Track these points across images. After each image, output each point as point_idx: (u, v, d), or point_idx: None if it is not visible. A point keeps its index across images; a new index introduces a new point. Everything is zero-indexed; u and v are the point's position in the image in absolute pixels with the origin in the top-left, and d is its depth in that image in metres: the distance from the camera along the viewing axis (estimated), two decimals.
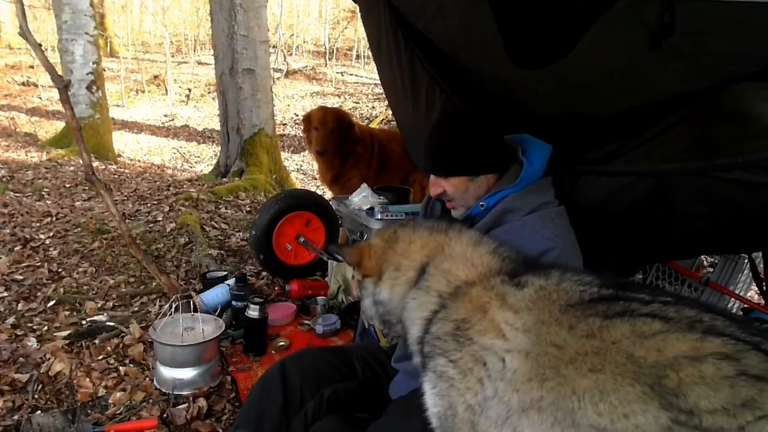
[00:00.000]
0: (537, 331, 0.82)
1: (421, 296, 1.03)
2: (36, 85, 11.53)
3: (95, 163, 5.64)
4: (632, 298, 0.80)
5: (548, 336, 0.80)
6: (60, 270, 2.88)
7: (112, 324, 2.31)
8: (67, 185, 4.67)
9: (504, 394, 0.82)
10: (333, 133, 3.36)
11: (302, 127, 3.58)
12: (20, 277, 2.73)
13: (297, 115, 11.49)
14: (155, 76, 13.49)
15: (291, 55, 16.07)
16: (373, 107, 11.41)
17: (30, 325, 2.30)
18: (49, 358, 2.02)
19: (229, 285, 2.49)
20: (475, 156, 1.37)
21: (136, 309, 2.53)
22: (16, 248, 3.08)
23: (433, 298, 1.00)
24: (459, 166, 1.38)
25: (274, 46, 13.62)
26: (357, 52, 16.37)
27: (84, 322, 2.36)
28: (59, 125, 8.21)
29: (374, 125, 9.63)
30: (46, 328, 2.29)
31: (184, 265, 3.12)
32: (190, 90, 12.89)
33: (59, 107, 9.15)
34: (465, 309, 0.93)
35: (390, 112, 9.89)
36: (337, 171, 3.54)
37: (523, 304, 0.87)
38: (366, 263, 1.16)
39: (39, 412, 1.74)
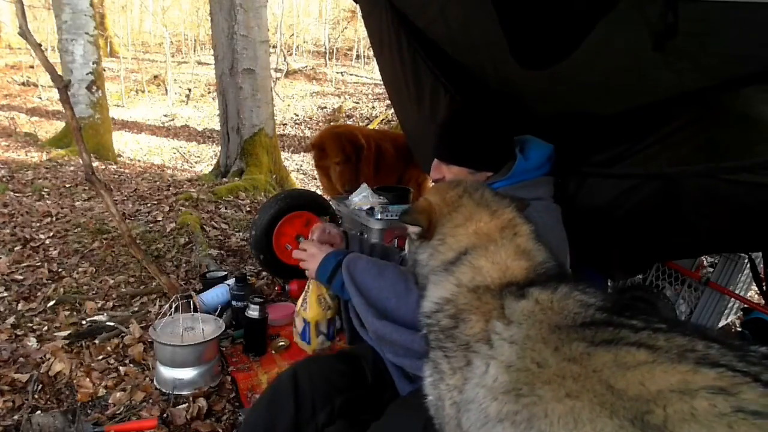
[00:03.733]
0: (522, 345, 0.81)
1: (443, 278, 1.01)
2: (36, 85, 11.53)
3: (95, 163, 5.64)
4: (624, 324, 0.76)
5: (531, 353, 0.79)
6: (60, 270, 2.87)
7: (112, 324, 2.31)
8: (67, 185, 4.67)
9: (483, 401, 0.82)
10: (354, 164, 3.20)
11: (312, 153, 3.31)
12: (20, 277, 2.73)
13: (297, 115, 11.50)
14: (155, 76, 13.50)
15: (291, 55, 16.07)
16: (373, 107, 11.41)
17: (30, 325, 2.30)
18: (49, 358, 2.02)
19: (229, 285, 2.49)
20: (484, 150, 1.39)
21: (136, 309, 2.53)
22: (16, 248, 3.08)
23: (451, 286, 0.99)
24: (465, 156, 1.40)
25: (274, 46, 13.62)
26: (357, 52, 16.37)
27: (84, 322, 2.36)
28: (59, 125, 8.22)
29: (374, 125, 9.64)
30: (46, 328, 2.28)
31: (184, 265, 3.12)
32: (190, 90, 12.89)
33: (59, 107, 9.15)
34: (471, 310, 0.93)
35: (390, 111, 9.90)
36: (350, 186, 3.35)
37: (516, 317, 0.86)
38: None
39: (39, 412, 1.74)
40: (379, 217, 2.58)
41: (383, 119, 10.24)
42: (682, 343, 0.69)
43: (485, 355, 0.85)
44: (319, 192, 4.23)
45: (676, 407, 0.61)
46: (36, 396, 1.83)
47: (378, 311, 1.25)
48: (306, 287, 1.56)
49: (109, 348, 2.15)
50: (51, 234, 3.36)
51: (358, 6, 2.53)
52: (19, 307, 2.44)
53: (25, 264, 2.89)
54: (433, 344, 0.97)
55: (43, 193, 4.32)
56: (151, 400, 1.85)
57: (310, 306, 1.54)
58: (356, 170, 3.26)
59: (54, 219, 3.69)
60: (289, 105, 12.00)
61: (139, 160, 7.98)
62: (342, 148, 3.15)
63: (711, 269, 2.78)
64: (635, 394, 0.65)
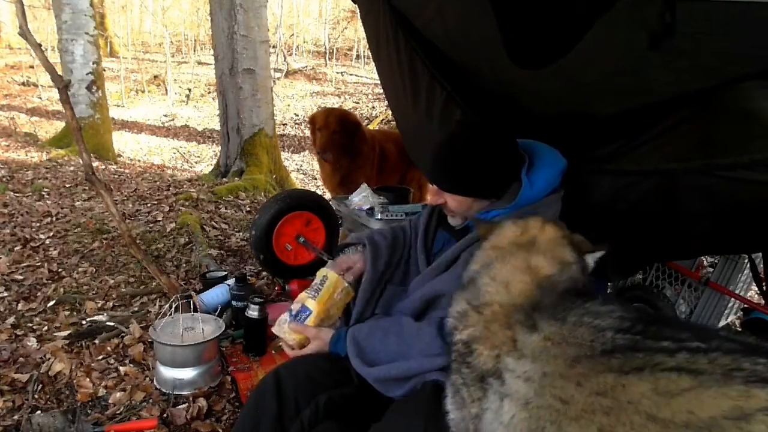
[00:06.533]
0: (540, 382, 0.77)
1: (458, 294, 1.01)
2: (36, 85, 11.53)
3: (95, 163, 5.64)
4: (654, 348, 0.70)
5: (552, 389, 0.74)
6: (60, 270, 2.87)
7: (112, 324, 2.31)
8: (67, 185, 4.67)
9: None
10: (335, 135, 3.27)
11: (309, 129, 3.52)
12: (20, 277, 2.73)
13: (297, 115, 11.50)
14: (155, 76, 13.50)
15: (291, 55, 16.07)
16: (373, 107, 11.42)
17: (30, 325, 2.30)
18: (49, 358, 2.02)
19: (229, 285, 2.49)
20: (485, 180, 1.35)
21: (136, 309, 2.53)
22: (16, 248, 3.08)
23: (462, 305, 0.97)
24: (466, 187, 1.35)
25: (274, 46, 13.63)
26: (357, 52, 16.37)
27: (84, 322, 2.36)
28: (59, 125, 8.22)
29: (374, 125, 9.64)
30: (46, 328, 2.28)
31: (184, 265, 3.12)
32: (190, 90, 12.89)
33: (59, 107, 9.16)
34: (480, 341, 0.90)
35: (390, 112, 9.90)
36: (343, 174, 3.44)
37: (528, 352, 0.81)
38: None
39: (39, 412, 1.74)
40: (379, 217, 2.58)
41: (383, 119, 10.24)
42: (725, 362, 0.64)
43: (497, 391, 0.82)
44: (319, 192, 4.24)
45: None
46: (36, 396, 1.83)
47: (371, 362, 1.33)
48: (322, 279, 1.52)
49: (109, 348, 2.15)
50: (51, 234, 3.36)
51: (357, 5, 2.54)
52: (19, 307, 2.44)
53: (25, 264, 2.89)
54: (454, 366, 0.94)
55: (43, 193, 4.32)
56: (151, 400, 1.85)
57: (320, 298, 1.50)
58: (342, 148, 3.34)
59: (54, 219, 3.69)
60: (289, 105, 12.00)
61: (139, 160, 7.98)
62: (325, 119, 3.29)
63: (711, 269, 2.78)
64: (684, 421, 0.61)
